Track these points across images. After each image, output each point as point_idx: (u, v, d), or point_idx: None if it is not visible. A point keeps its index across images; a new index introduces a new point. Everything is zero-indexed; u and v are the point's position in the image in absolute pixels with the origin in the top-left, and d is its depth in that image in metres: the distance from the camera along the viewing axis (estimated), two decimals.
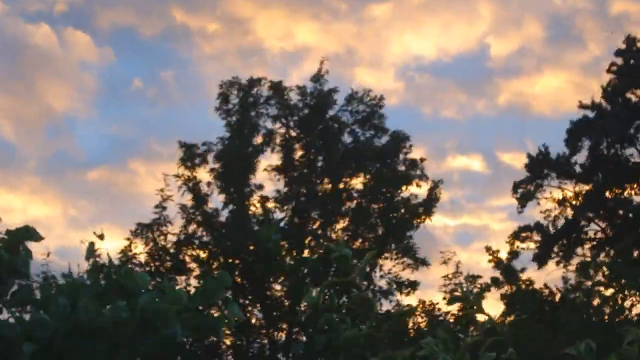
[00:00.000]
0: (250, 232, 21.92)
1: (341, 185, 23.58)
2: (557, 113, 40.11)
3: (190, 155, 23.40)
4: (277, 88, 23.99)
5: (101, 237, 3.70)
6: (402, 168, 23.88)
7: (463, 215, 39.62)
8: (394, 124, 24.50)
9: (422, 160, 24.02)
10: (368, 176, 23.67)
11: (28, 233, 4.02)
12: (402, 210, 23.53)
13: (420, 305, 22.56)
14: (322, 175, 23.64)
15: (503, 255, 25.33)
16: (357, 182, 23.76)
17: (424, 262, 23.31)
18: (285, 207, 23.38)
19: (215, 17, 39.55)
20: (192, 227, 23.00)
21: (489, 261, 24.33)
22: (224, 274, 3.87)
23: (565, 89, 38.84)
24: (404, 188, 23.66)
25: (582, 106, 26.79)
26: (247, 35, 36.65)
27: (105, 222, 37.90)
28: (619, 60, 26.97)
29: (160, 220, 22.85)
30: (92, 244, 3.72)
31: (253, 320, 22.25)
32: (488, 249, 24.51)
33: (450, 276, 22.92)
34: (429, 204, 23.64)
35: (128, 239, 22.44)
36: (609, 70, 27.00)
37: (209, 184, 23.40)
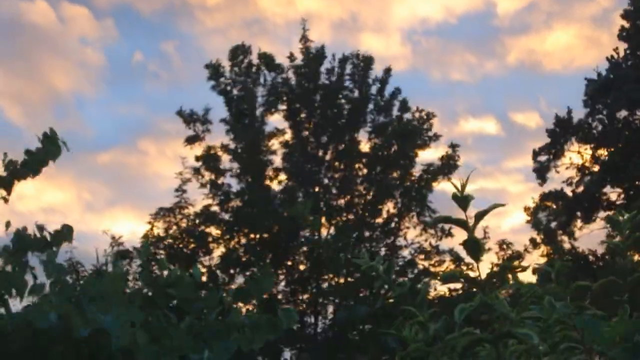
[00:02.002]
0: (269, 206, 21.96)
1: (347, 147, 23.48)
2: (569, 69, 39.43)
3: (191, 120, 23.43)
4: (269, 62, 23.94)
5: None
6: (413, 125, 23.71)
7: (479, 179, 39.36)
8: (403, 90, 24.03)
9: (432, 115, 23.87)
10: (375, 138, 23.56)
11: (68, 234, 4.02)
12: (421, 175, 23.42)
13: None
14: (329, 141, 23.55)
15: (522, 218, 25.60)
16: (365, 145, 23.68)
17: (448, 234, 23.20)
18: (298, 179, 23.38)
19: None
20: (212, 206, 23.16)
21: (527, 222, 24.72)
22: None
23: (576, 43, 38.30)
24: (417, 151, 23.54)
25: (610, 59, 26.59)
26: (248, 6, 36.14)
27: (119, 205, 38.08)
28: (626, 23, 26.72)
29: (181, 203, 23.04)
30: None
31: (279, 295, 22.30)
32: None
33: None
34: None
35: (149, 222, 22.74)
36: (619, 34, 26.80)
37: (219, 157, 23.45)
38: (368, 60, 23.98)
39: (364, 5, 35.68)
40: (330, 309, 22.35)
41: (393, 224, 23.41)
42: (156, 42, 40.48)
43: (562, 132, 27.20)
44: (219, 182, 23.34)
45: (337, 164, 23.48)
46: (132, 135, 40.97)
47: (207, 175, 23.34)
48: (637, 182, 26.33)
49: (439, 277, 2.71)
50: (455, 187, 2.57)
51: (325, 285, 22.48)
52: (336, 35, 34.67)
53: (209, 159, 23.34)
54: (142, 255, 3.97)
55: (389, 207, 23.50)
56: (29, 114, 36.92)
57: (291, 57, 24.00)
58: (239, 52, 23.89)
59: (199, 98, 22.94)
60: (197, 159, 23.35)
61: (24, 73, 37.10)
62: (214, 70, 23.73)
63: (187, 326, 3.69)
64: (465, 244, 2.57)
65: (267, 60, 23.88)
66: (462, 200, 2.56)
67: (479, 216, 2.58)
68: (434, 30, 38.01)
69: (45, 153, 3.79)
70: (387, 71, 24.06)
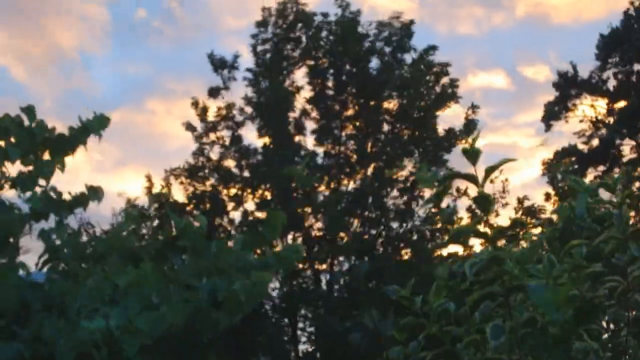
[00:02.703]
0: (289, 164, 21.89)
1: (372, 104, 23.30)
2: (578, 22, 38.59)
3: (221, 65, 23.18)
4: (305, 17, 23.65)
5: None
6: (437, 89, 23.56)
7: (489, 134, 38.93)
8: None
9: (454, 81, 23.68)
10: (399, 99, 23.40)
11: (95, 194, 4.17)
12: (440, 135, 23.38)
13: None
14: (354, 100, 23.40)
15: (534, 173, 25.62)
16: (390, 105, 23.51)
17: (464, 193, 23.15)
18: (321, 139, 23.32)
19: None
20: (227, 163, 23.15)
21: (543, 174, 24.91)
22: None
23: None
24: (439, 112, 23.43)
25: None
26: None
27: (129, 165, 38.12)
28: None
29: (199, 165, 22.96)
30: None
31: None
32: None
33: (497, 196, 23.33)
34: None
35: (164, 179, 22.83)
36: None
37: (241, 110, 23.41)
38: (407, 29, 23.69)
39: None
40: (346, 266, 22.50)
41: (409, 182, 23.42)
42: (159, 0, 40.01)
43: (570, 85, 26.99)
44: (237, 137, 23.28)
45: (357, 120, 23.39)
46: (138, 94, 40.69)
47: (224, 132, 23.30)
48: None
49: (451, 234, 2.76)
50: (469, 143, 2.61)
51: (340, 243, 22.58)
52: None
53: (228, 114, 23.23)
54: (150, 202, 4.15)
55: (408, 165, 23.49)
56: (33, 72, 36.71)
57: (325, 16, 23.69)
58: (287, 8, 23.62)
59: (203, 55, 22.67)
60: (215, 112, 23.22)
61: (26, 30, 36.78)
62: (264, 20, 23.41)
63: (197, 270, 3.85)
64: (475, 199, 2.63)
65: (305, 18, 23.59)
66: (472, 154, 2.59)
67: (489, 171, 2.62)
68: None
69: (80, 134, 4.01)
70: (433, 47, 23.76)
